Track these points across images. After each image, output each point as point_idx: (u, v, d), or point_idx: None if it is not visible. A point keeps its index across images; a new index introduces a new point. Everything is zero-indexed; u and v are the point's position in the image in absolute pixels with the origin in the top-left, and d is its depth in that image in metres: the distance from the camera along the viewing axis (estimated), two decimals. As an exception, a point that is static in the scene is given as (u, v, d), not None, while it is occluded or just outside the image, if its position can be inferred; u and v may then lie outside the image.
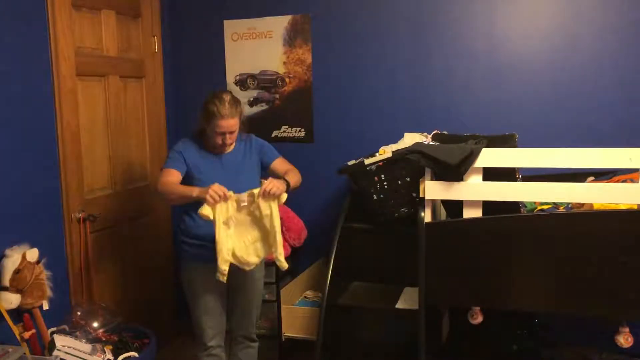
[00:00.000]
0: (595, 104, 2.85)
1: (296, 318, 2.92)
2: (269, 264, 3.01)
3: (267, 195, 2.34)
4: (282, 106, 3.40)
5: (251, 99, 3.46)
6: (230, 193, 2.31)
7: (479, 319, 2.38)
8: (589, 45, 2.84)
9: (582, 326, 2.83)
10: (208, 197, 2.25)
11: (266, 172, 2.61)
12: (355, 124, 3.26)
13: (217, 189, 2.27)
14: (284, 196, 2.38)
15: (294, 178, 2.53)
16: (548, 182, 2.19)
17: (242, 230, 2.38)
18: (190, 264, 2.52)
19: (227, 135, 2.42)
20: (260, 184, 2.40)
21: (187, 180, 2.45)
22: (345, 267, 2.83)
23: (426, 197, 2.31)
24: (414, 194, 2.52)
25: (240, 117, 2.46)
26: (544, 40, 2.90)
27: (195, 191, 2.33)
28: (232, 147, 2.55)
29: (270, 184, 2.34)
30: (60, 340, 2.39)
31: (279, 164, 2.61)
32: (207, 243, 2.40)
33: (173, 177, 2.42)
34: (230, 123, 2.39)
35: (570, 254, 2.13)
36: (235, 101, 2.43)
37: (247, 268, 2.41)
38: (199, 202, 2.30)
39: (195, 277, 2.50)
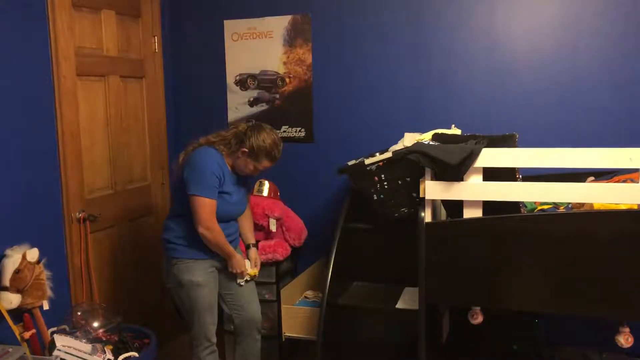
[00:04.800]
0: (595, 103, 2.86)
1: (296, 318, 2.91)
2: (269, 264, 3.02)
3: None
4: (282, 106, 3.40)
5: (251, 99, 3.46)
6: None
7: (479, 319, 2.38)
8: (589, 44, 2.84)
9: (582, 326, 2.84)
10: (238, 272, 2.59)
11: None
12: (355, 124, 3.26)
13: (241, 267, 2.59)
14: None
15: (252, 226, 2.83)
16: (548, 182, 2.19)
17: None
18: (192, 262, 2.50)
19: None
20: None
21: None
22: (345, 267, 2.83)
23: (426, 197, 2.31)
24: (414, 194, 2.52)
25: None
26: (544, 40, 2.91)
27: (234, 258, 2.56)
28: None
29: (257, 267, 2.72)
30: (61, 340, 2.39)
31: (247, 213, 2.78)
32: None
33: (213, 211, 2.43)
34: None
35: (570, 254, 2.13)
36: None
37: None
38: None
39: (196, 274, 2.50)
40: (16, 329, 2.36)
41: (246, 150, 2.45)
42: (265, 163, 2.48)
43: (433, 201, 2.36)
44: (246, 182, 2.66)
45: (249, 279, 2.66)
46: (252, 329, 2.70)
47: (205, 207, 2.40)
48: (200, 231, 2.41)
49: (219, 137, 2.52)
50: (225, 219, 2.53)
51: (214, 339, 2.59)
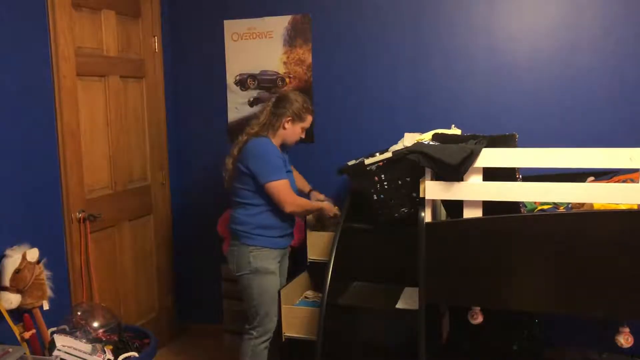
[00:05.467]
0: (595, 103, 2.86)
1: (296, 318, 2.91)
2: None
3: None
4: (282, 106, 3.40)
5: (251, 99, 3.46)
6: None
7: (479, 319, 2.38)
8: (589, 44, 2.84)
9: (582, 326, 2.84)
10: (332, 214, 2.82)
11: None
12: (355, 124, 3.26)
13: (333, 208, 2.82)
14: None
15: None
16: (548, 182, 2.19)
17: None
18: (267, 250, 2.64)
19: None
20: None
21: None
22: (345, 267, 2.83)
23: (426, 197, 2.31)
24: (414, 194, 2.52)
25: None
26: (544, 40, 2.91)
27: (325, 206, 2.80)
28: None
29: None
30: (61, 340, 2.39)
31: (295, 172, 2.95)
32: (283, 233, 2.71)
33: (291, 188, 2.62)
34: None
35: (570, 254, 2.13)
36: None
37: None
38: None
39: (270, 262, 2.64)
40: (16, 329, 2.36)
41: (290, 117, 2.63)
42: (309, 117, 2.69)
43: (433, 201, 2.36)
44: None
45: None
46: None
47: (283, 188, 2.57)
48: (288, 210, 2.59)
49: (257, 126, 2.66)
50: None
51: (272, 334, 2.71)
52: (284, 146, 2.72)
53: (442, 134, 2.56)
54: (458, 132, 2.66)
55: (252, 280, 2.63)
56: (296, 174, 2.97)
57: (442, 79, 3.07)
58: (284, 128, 2.65)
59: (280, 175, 2.57)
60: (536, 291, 2.20)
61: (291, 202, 2.58)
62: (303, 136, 2.73)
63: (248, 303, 2.67)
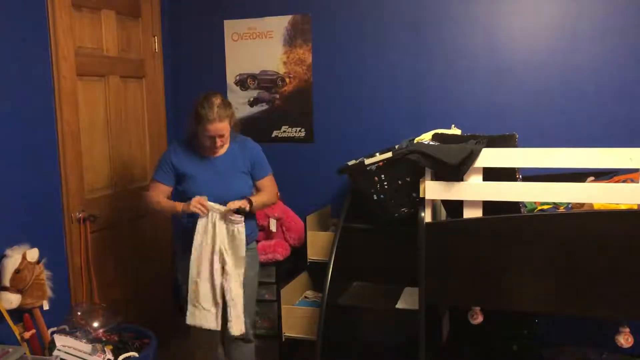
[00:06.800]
0: (595, 104, 2.86)
1: (296, 318, 2.92)
2: (269, 264, 3.02)
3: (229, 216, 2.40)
4: (282, 106, 3.40)
5: (251, 99, 3.46)
6: (210, 204, 2.40)
7: (479, 319, 2.38)
8: (589, 45, 2.84)
9: (582, 326, 2.84)
10: (194, 209, 2.37)
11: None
12: (355, 124, 3.26)
13: (197, 200, 2.38)
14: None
15: (262, 197, 2.56)
16: (548, 182, 2.20)
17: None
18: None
19: (217, 139, 2.42)
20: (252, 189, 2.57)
21: (179, 183, 2.53)
22: (345, 267, 2.83)
23: (426, 197, 2.31)
24: (414, 194, 2.52)
25: (231, 121, 2.44)
26: (544, 41, 2.91)
27: (178, 207, 2.46)
28: (225, 149, 2.54)
29: (232, 204, 2.40)
30: (61, 340, 2.39)
31: (264, 183, 2.58)
32: None
33: (159, 190, 2.53)
34: (218, 127, 2.38)
35: (570, 254, 2.13)
36: (225, 104, 2.42)
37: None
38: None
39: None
40: (16, 329, 2.36)
41: (192, 119, 2.42)
42: (206, 126, 2.36)
43: (433, 201, 2.36)
44: (238, 172, 2.52)
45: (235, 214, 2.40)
46: (238, 339, 2.61)
47: (150, 185, 2.59)
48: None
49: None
50: None
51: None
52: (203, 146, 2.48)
53: (442, 134, 2.56)
54: (458, 132, 2.66)
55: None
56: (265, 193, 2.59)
57: (443, 79, 3.07)
58: (195, 133, 2.46)
59: (154, 175, 2.56)
60: (536, 291, 2.20)
61: (147, 195, 2.56)
62: (208, 144, 2.43)
63: None
